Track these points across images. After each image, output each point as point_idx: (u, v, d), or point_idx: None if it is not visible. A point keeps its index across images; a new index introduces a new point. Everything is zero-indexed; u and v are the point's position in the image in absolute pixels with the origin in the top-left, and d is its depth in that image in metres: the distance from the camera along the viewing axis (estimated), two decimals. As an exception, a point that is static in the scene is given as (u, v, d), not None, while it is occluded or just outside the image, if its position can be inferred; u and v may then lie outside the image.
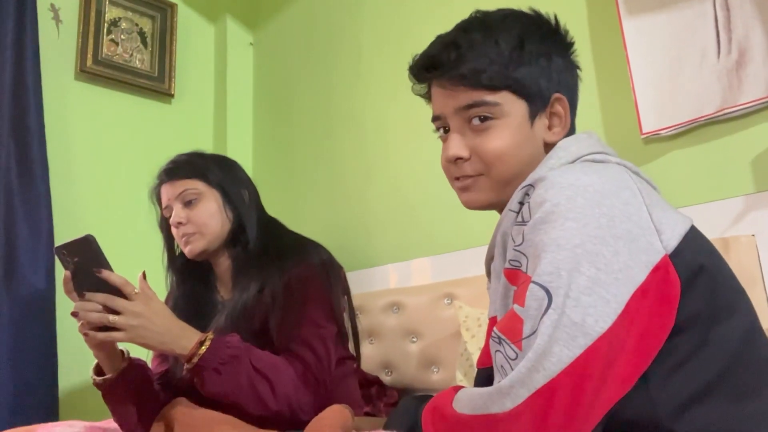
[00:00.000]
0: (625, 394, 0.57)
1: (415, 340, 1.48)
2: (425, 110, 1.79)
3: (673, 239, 0.62)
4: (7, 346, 1.57)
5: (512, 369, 0.57)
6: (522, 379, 0.55)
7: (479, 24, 0.78)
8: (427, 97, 0.84)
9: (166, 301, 1.32)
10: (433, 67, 0.78)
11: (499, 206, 0.76)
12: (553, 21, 0.80)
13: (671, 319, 0.59)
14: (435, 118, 0.82)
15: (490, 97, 0.75)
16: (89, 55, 1.98)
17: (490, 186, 0.77)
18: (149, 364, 1.22)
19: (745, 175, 1.10)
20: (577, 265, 0.58)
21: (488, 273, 0.82)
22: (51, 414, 1.60)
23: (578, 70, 0.83)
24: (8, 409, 1.53)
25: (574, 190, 0.62)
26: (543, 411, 0.54)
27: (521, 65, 0.75)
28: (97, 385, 1.10)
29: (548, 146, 0.77)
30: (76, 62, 1.98)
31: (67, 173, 1.88)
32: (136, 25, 2.16)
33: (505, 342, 0.60)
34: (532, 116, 0.76)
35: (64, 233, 1.68)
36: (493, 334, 0.62)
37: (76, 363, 1.70)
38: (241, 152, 2.27)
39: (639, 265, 0.59)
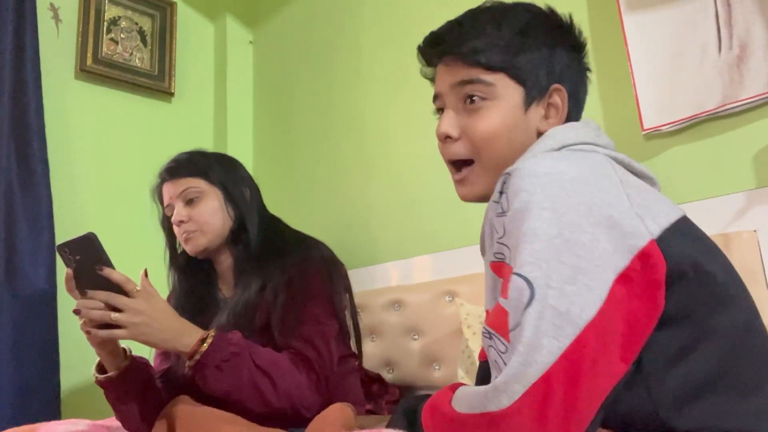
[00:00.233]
0: (619, 383, 0.57)
1: (416, 337, 1.48)
2: (426, 107, 1.78)
3: (656, 227, 0.61)
4: (9, 344, 1.58)
5: (505, 363, 0.57)
6: (516, 374, 0.54)
7: (487, 9, 0.79)
8: (434, 80, 0.86)
9: (168, 300, 1.32)
10: (437, 43, 0.81)
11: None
12: (566, 19, 0.81)
13: (658, 304, 0.58)
14: (434, 98, 0.84)
15: (485, 76, 0.76)
16: (89, 54, 1.98)
17: (483, 173, 0.78)
18: (151, 362, 1.22)
19: (746, 170, 1.10)
20: (556, 254, 0.58)
21: None
22: (53, 412, 1.60)
23: (588, 72, 0.83)
24: (11, 408, 1.53)
25: (550, 179, 0.62)
26: (541, 405, 0.54)
27: (522, 51, 0.76)
28: (99, 383, 1.10)
29: (542, 135, 0.77)
30: (76, 61, 1.98)
31: (67, 172, 1.88)
32: (136, 23, 2.16)
33: (495, 336, 0.60)
34: (528, 103, 0.77)
35: (65, 232, 1.68)
36: (483, 329, 0.62)
37: (78, 361, 1.70)
38: (242, 150, 2.27)
39: (620, 251, 0.58)
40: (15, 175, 1.70)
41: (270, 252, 1.24)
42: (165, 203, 1.29)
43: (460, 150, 0.79)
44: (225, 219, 1.27)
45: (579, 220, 0.59)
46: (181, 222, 1.24)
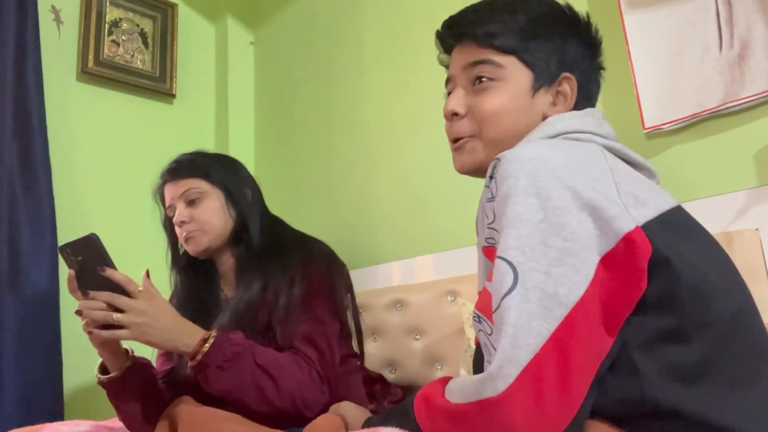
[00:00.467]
0: (607, 358, 0.58)
1: (418, 337, 1.48)
2: (428, 107, 1.79)
3: (642, 216, 0.62)
4: (12, 345, 1.58)
5: (493, 346, 0.57)
6: (508, 358, 0.55)
7: None
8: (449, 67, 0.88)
9: (170, 300, 1.32)
10: (454, 26, 0.83)
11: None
12: (582, 16, 0.83)
13: (640, 285, 0.59)
14: (446, 82, 0.86)
15: (496, 58, 0.78)
16: (90, 56, 1.99)
17: (483, 145, 0.79)
18: (153, 363, 1.22)
19: (748, 169, 1.10)
20: (543, 239, 0.59)
21: None
22: (56, 413, 1.61)
23: (601, 69, 0.85)
24: (14, 409, 1.53)
25: (536, 165, 0.63)
26: (536, 386, 0.54)
27: (534, 38, 0.78)
28: (102, 383, 1.11)
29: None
30: (78, 63, 1.98)
31: (69, 174, 1.88)
32: (137, 25, 2.16)
33: (483, 319, 0.61)
34: (536, 88, 0.78)
35: (67, 233, 1.68)
36: (473, 313, 0.63)
37: (81, 362, 1.70)
38: (243, 151, 2.27)
39: (606, 234, 0.59)
40: (17, 177, 1.70)
41: (271, 252, 1.25)
42: (167, 204, 1.30)
43: (465, 127, 0.81)
44: (226, 219, 1.27)
45: (565, 204, 0.60)
46: (183, 222, 1.25)
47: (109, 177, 1.98)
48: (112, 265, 0.98)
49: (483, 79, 0.79)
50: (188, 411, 1.03)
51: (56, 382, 1.64)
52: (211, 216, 1.25)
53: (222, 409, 1.04)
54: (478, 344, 0.68)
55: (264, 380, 1.05)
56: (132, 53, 2.12)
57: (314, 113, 2.10)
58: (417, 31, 1.74)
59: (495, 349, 0.57)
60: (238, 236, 1.29)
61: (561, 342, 0.56)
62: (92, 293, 0.97)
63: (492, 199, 0.66)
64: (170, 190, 1.28)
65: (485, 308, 0.61)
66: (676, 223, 0.66)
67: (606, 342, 0.58)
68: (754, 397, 0.60)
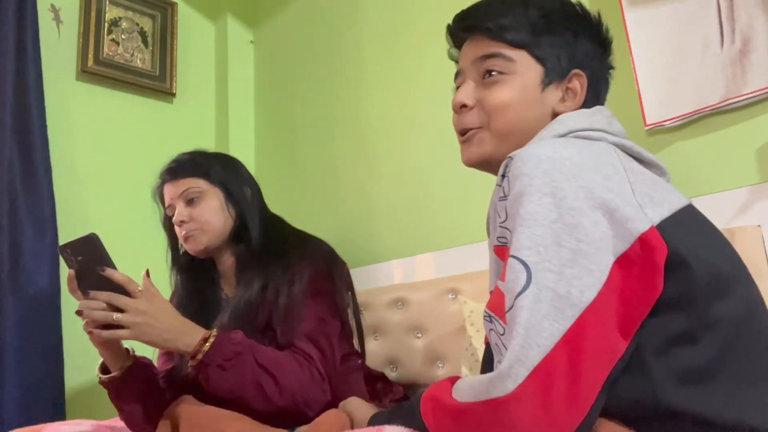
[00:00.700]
0: (619, 362, 0.57)
1: (419, 335, 1.48)
2: (428, 104, 1.79)
3: (657, 215, 0.61)
4: (13, 345, 1.58)
5: (504, 345, 0.57)
6: (518, 358, 0.55)
7: None
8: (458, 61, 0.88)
9: (171, 300, 1.32)
10: (465, 19, 0.83)
11: (495, 163, 0.77)
12: (594, 14, 0.83)
13: (656, 286, 0.59)
14: (456, 75, 0.85)
15: (508, 52, 0.78)
16: (90, 56, 1.99)
17: (490, 137, 0.79)
18: (154, 363, 1.22)
19: (749, 165, 1.10)
20: (557, 239, 0.59)
21: None
22: (58, 413, 1.61)
23: (611, 68, 0.85)
24: (15, 409, 1.53)
25: (551, 164, 0.63)
26: (545, 387, 0.54)
27: (546, 33, 0.78)
28: (103, 383, 1.11)
29: (555, 119, 0.78)
30: (77, 62, 1.98)
31: (70, 173, 1.88)
32: (137, 24, 2.16)
33: (495, 319, 0.60)
34: (545, 83, 0.78)
35: (68, 233, 1.68)
36: (484, 312, 0.63)
37: (82, 362, 1.70)
38: (243, 150, 2.27)
39: (621, 235, 0.59)
40: (18, 177, 1.70)
41: (271, 251, 1.24)
42: (166, 203, 1.30)
43: (473, 119, 0.80)
44: (226, 218, 1.27)
45: (580, 205, 0.60)
46: (183, 222, 1.24)
47: (109, 176, 1.98)
48: (112, 265, 0.98)
49: (493, 73, 0.78)
50: (190, 410, 1.03)
51: (57, 381, 1.64)
52: (210, 215, 1.25)
53: (223, 408, 1.04)
54: (487, 344, 0.68)
55: (265, 379, 1.05)
56: (132, 52, 2.12)
57: (314, 112, 2.09)
58: (417, 29, 1.74)
59: (506, 349, 0.56)
60: (237, 235, 1.28)
61: (572, 343, 0.55)
62: (92, 293, 0.97)
63: (504, 197, 0.66)
64: (169, 190, 1.28)
65: (497, 308, 0.60)
66: (689, 222, 0.65)
67: (620, 345, 0.58)
68: (763, 392, 0.59)
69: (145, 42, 2.16)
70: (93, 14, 2.02)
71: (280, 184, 2.16)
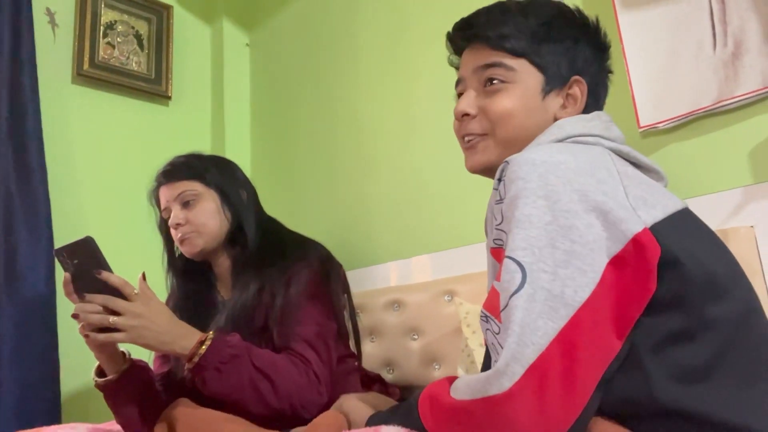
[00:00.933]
0: (614, 361, 0.58)
1: (416, 337, 1.48)
2: (423, 108, 1.79)
3: (651, 217, 0.62)
4: (8, 349, 1.57)
5: (500, 344, 0.58)
6: (514, 355, 0.56)
7: (517, 1, 0.83)
8: (459, 68, 0.88)
9: (167, 303, 1.32)
10: (466, 28, 0.84)
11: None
12: (592, 19, 0.84)
13: (649, 287, 0.60)
14: (457, 83, 0.86)
15: (508, 61, 0.79)
16: (86, 59, 1.98)
17: (494, 144, 0.80)
18: (151, 366, 1.22)
19: (743, 166, 1.10)
20: (551, 240, 0.60)
21: None
22: (53, 416, 1.60)
23: (609, 73, 0.87)
24: (11, 412, 1.53)
25: (546, 168, 0.64)
26: (541, 384, 0.55)
27: (546, 41, 0.79)
28: (99, 386, 1.11)
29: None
30: (73, 66, 1.98)
31: (65, 177, 1.88)
32: (132, 27, 2.16)
33: (491, 318, 0.61)
34: (546, 90, 0.79)
35: (63, 236, 1.68)
36: (481, 313, 0.64)
37: (78, 365, 1.69)
38: (239, 153, 2.27)
39: (614, 236, 0.60)
40: (13, 180, 1.70)
41: (268, 254, 1.25)
42: (162, 206, 1.30)
43: (475, 127, 0.81)
44: (222, 221, 1.27)
45: (574, 207, 0.61)
46: (178, 225, 1.24)
47: (104, 179, 1.98)
48: (108, 268, 0.98)
49: (494, 81, 0.79)
50: (186, 413, 1.03)
51: (54, 385, 1.63)
52: (206, 218, 1.25)
53: (219, 410, 1.04)
54: (487, 345, 0.69)
55: (261, 382, 1.05)
56: (127, 55, 2.12)
57: (310, 114, 2.10)
58: (414, 31, 1.74)
59: (502, 348, 0.57)
60: (233, 238, 1.29)
61: (567, 342, 0.56)
62: (88, 296, 0.97)
63: (500, 201, 0.67)
64: (165, 193, 1.28)
65: (493, 307, 0.61)
66: (683, 224, 0.66)
67: (614, 344, 0.58)
68: (760, 393, 0.60)
69: (140, 45, 2.16)
70: (88, 17, 2.02)
71: (276, 186, 2.16)
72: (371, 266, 1.75)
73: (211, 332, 1.06)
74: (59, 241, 1.66)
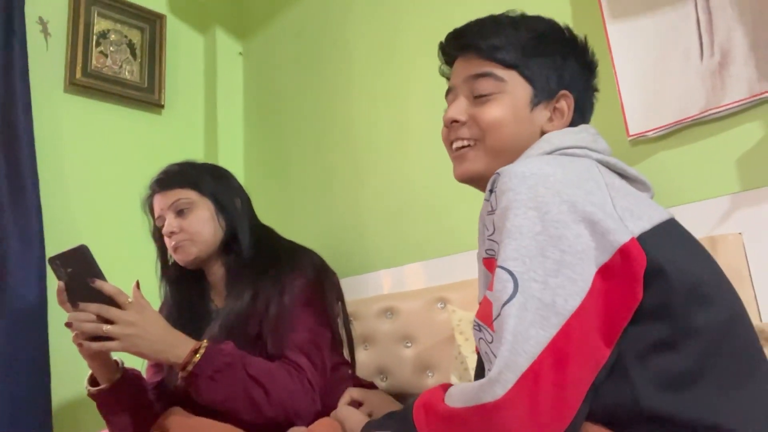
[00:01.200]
0: (603, 368, 0.59)
1: (409, 345, 1.49)
2: (415, 117, 1.80)
3: (638, 228, 0.64)
4: (0, 358, 1.56)
5: (494, 353, 0.59)
6: (507, 364, 0.57)
7: (509, 15, 0.85)
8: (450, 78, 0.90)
9: (161, 311, 1.32)
10: (458, 38, 0.85)
11: (485, 180, 0.79)
12: (581, 38, 0.86)
13: (636, 295, 0.61)
14: (447, 92, 0.88)
15: (499, 72, 0.81)
16: (78, 68, 1.98)
17: (484, 153, 0.81)
18: (144, 374, 1.22)
19: (730, 174, 1.12)
20: (541, 250, 0.61)
21: None
22: (45, 426, 1.59)
23: (595, 92, 0.88)
24: (3, 422, 1.51)
25: (536, 180, 0.65)
26: (533, 392, 0.56)
27: (536, 54, 0.81)
28: (91, 395, 1.10)
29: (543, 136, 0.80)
30: (66, 75, 1.98)
31: (58, 185, 1.87)
32: (125, 36, 2.16)
33: (484, 328, 0.62)
34: (534, 103, 0.81)
35: (55, 245, 1.67)
36: (474, 322, 0.64)
37: (69, 374, 1.68)
38: (233, 161, 2.27)
39: (602, 247, 0.61)
40: (5, 189, 1.69)
41: (261, 262, 1.25)
42: (156, 214, 1.30)
43: (465, 133, 0.83)
44: (216, 229, 1.27)
45: (563, 218, 0.62)
46: (172, 233, 1.24)
47: (97, 188, 1.97)
48: (102, 277, 0.98)
49: (485, 93, 0.81)
50: (180, 421, 1.03)
51: (45, 394, 1.62)
52: (200, 226, 1.26)
53: (213, 418, 1.04)
54: (479, 353, 0.70)
55: (255, 390, 1.05)
56: (120, 64, 2.12)
57: (303, 123, 2.10)
58: (406, 40, 1.76)
59: (495, 356, 0.58)
60: (227, 246, 1.29)
61: (558, 350, 0.57)
62: (82, 305, 0.97)
63: (492, 212, 0.68)
64: (159, 201, 1.28)
65: (486, 317, 0.62)
66: (669, 235, 0.67)
67: (603, 351, 0.59)
68: (745, 399, 0.61)
69: (133, 54, 2.17)
70: (81, 27, 2.02)
71: (270, 194, 2.17)
72: (364, 274, 1.75)
73: (204, 341, 1.06)
74: (51, 251, 1.65)
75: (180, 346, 1.03)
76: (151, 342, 1.00)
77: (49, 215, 1.77)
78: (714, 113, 1.13)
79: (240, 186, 1.37)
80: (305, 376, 1.11)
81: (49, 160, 1.86)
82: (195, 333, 1.12)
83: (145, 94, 2.15)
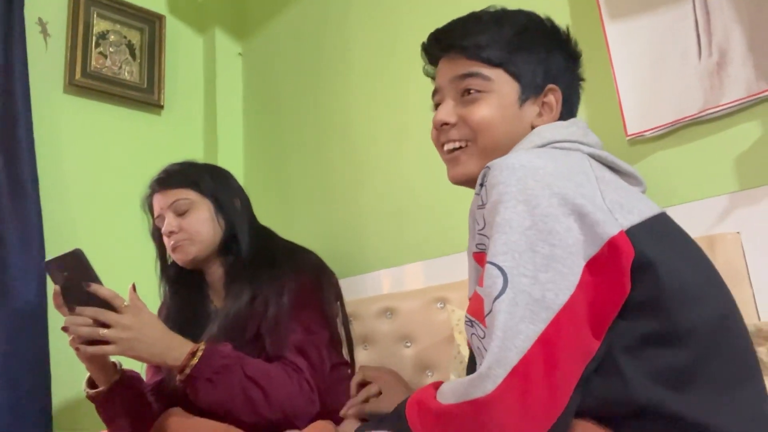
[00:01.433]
0: (593, 361, 0.59)
1: (409, 344, 1.49)
2: (414, 117, 1.80)
3: (627, 221, 0.63)
4: (-1, 360, 1.57)
5: (485, 348, 0.59)
6: (497, 359, 0.57)
7: (490, 12, 0.84)
8: (435, 78, 0.89)
9: (159, 311, 1.32)
10: (442, 38, 0.85)
11: None
12: (563, 29, 0.86)
13: (624, 288, 0.61)
14: (433, 93, 0.87)
15: (485, 71, 0.80)
16: (78, 68, 1.98)
17: (477, 154, 0.81)
18: (143, 376, 1.22)
19: (728, 173, 1.12)
20: (531, 245, 0.61)
21: None
22: (45, 428, 1.59)
23: (581, 81, 0.88)
24: (2, 424, 1.52)
25: (525, 172, 0.65)
26: (523, 387, 0.56)
27: (520, 50, 0.80)
28: (90, 398, 1.10)
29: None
30: (65, 75, 1.98)
31: (57, 186, 1.88)
32: (125, 37, 2.16)
33: (476, 323, 0.62)
34: (523, 99, 0.81)
35: (55, 246, 1.68)
36: (465, 318, 0.64)
37: (69, 376, 1.69)
38: (232, 161, 2.27)
39: (591, 239, 0.61)
40: (4, 190, 1.69)
41: (260, 262, 1.25)
42: (155, 214, 1.30)
43: (455, 134, 0.83)
44: (215, 229, 1.27)
45: (553, 211, 0.62)
46: (172, 233, 1.25)
47: (97, 189, 1.97)
48: (98, 280, 0.98)
49: (471, 91, 0.81)
50: (178, 423, 1.03)
51: (45, 396, 1.62)
52: (200, 226, 1.26)
53: (212, 420, 1.04)
54: (470, 348, 0.70)
55: (254, 391, 1.05)
56: (119, 65, 2.12)
57: (302, 123, 2.10)
58: (404, 42, 1.76)
59: (487, 351, 0.58)
60: (227, 246, 1.29)
61: (548, 344, 0.57)
62: (78, 309, 0.97)
63: (482, 206, 0.68)
64: (159, 201, 1.28)
65: (477, 312, 0.62)
66: (659, 229, 0.67)
67: (592, 344, 0.60)
68: (738, 399, 0.61)
69: (133, 54, 2.17)
70: (81, 27, 2.02)
71: (269, 195, 2.17)
72: (363, 274, 1.75)
73: (202, 343, 1.06)
74: (51, 252, 1.66)
75: (177, 349, 1.03)
76: (148, 345, 1.00)
77: (49, 215, 1.78)
78: (712, 113, 1.12)
79: (239, 186, 1.37)
80: (304, 376, 1.11)
81: (49, 161, 1.86)
82: (194, 333, 1.12)
83: (145, 94, 2.15)
